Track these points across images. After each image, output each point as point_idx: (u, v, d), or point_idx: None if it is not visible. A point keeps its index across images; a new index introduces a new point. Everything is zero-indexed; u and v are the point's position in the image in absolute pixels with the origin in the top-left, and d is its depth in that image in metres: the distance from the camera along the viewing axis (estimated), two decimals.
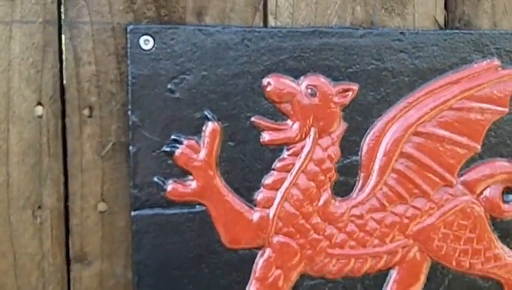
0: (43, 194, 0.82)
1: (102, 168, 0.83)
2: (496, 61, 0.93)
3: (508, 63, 0.94)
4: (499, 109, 0.93)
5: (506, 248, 0.93)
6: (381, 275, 0.89)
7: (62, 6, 0.82)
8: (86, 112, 0.83)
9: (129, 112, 0.82)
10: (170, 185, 0.82)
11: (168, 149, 0.83)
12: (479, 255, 0.92)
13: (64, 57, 0.82)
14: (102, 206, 0.84)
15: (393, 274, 0.89)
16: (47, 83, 0.82)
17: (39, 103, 0.82)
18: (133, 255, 0.83)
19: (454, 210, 0.90)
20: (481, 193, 0.93)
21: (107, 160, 0.84)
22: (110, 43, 0.83)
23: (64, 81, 0.82)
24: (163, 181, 0.82)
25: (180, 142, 0.83)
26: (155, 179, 0.82)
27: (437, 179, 0.90)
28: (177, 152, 0.82)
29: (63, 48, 0.82)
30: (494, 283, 0.93)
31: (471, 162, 0.93)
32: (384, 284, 0.89)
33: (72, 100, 0.82)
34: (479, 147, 0.92)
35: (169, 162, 0.83)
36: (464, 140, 0.92)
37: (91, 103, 0.83)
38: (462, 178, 0.92)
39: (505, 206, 0.93)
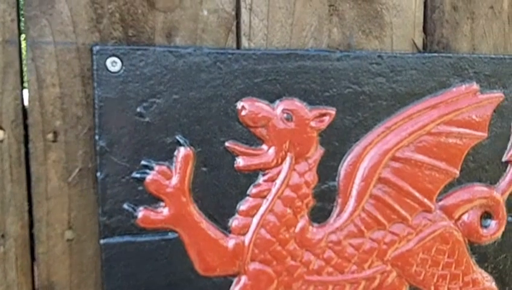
0: (6, 222, 0.78)
1: (69, 195, 0.80)
2: (475, 86, 0.93)
3: (486, 88, 0.93)
4: (478, 133, 0.93)
5: (484, 273, 0.92)
6: None
7: (23, 25, 0.78)
8: (50, 136, 0.79)
9: (96, 137, 0.78)
10: (141, 212, 0.79)
11: (138, 175, 0.79)
12: (458, 280, 0.90)
13: (26, 78, 0.78)
14: (69, 234, 0.80)
15: None
16: (8, 106, 0.77)
17: (0, 127, 0.78)
18: (103, 284, 0.79)
19: (432, 235, 0.89)
20: (459, 217, 0.91)
21: (73, 186, 0.80)
22: (75, 64, 0.79)
23: (27, 104, 0.78)
24: (133, 208, 0.79)
25: (151, 168, 0.80)
26: (125, 205, 0.79)
27: (415, 205, 0.89)
28: (148, 178, 0.79)
29: (25, 68, 0.78)
30: None
31: (450, 187, 0.92)
32: None
33: (35, 124, 0.78)
34: (457, 172, 0.91)
35: (140, 188, 0.79)
36: (442, 165, 0.90)
37: (56, 127, 0.79)
38: (440, 203, 0.91)
39: (483, 231, 0.92)
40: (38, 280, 0.80)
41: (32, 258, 0.80)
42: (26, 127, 0.79)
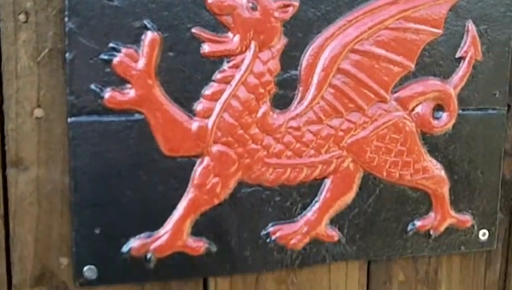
0: None
1: (38, 74, 0.82)
2: None
3: None
4: (434, 30, 0.96)
5: (434, 162, 0.99)
6: (316, 184, 0.93)
7: None
8: (22, 17, 0.81)
9: (66, 18, 0.80)
10: (108, 93, 0.82)
11: (106, 57, 0.82)
12: (409, 167, 0.97)
13: None
14: (38, 112, 0.83)
15: (328, 183, 0.93)
16: None
17: None
18: (70, 162, 0.83)
19: (386, 124, 0.94)
20: (413, 109, 0.97)
21: (43, 66, 0.82)
22: None
23: None
24: (100, 89, 0.82)
25: (119, 50, 0.82)
26: (92, 86, 0.82)
27: (372, 95, 0.93)
28: (115, 60, 0.82)
29: None
30: (422, 193, 0.99)
31: (405, 80, 0.96)
32: (319, 193, 0.94)
33: (6, 5, 0.80)
34: (412, 65, 0.95)
35: (107, 70, 0.82)
36: (398, 59, 0.94)
37: (27, 8, 0.81)
38: (395, 95, 0.95)
39: (435, 122, 0.97)
40: (7, 155, 0.83)
41: (2, 134, 0.83)
42: None
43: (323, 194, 0.93)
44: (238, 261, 0.91)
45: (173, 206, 0.87)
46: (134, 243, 0.86)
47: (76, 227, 0.84)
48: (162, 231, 0.87)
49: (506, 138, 1.04)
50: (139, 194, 0.85)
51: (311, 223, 0.93)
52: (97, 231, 0.84)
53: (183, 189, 0.87)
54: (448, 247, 1.02)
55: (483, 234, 1.03)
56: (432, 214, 1.00)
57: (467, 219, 1.02)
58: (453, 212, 1.01)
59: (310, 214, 0.93)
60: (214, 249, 0.89)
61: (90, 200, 0.84)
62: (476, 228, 1.03)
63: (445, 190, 0.99)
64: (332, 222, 0.95)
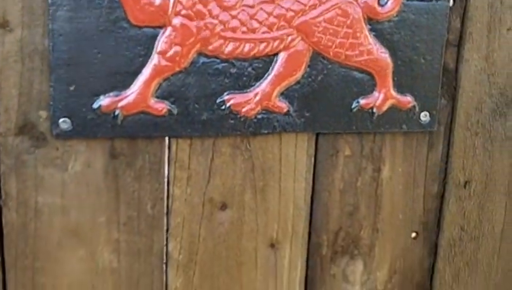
0: None
1: None
2: None
3: None
4: None
5: (379, 45, 1.08)
6: (269, 60, 1.04)
7: None
8: None
9: None
10: None
11: None
12: (354, 48, 1.06)
13: None
14: None
15: (279, 59, 1.04)
16: None
17: None
18: (48, 24, 0.95)
19: (334, 7, 1.04)
20: None
21: None
22: None
23: None
24: None
25: None
26: None
27: None
28: None
29: None
30: (367, 75, 1.09)
31: None
32: (271, 68, 1.05)
33: None
34: None
35: None
36: None
37: None
38: None
39: (380, 9, 1.06)
40: None
41: None
42: None
43: (275, 68, 1.04)
44: (196, 124, 1.04)
45: (139, 71, 0.99)
46: (104, 101, 0.99)
47: (53, 84, 0.97)
48: (129, 91, 0.99)
49: (450, 28, 1.12)
50: (109, 57, 0.98)
51: (263, 94, 1.05)
52: (71, 88, 0.98)
53: (148, 56, 0.99)
54: (390, 125, 1.13)
55: (424, 116, 1.14)
56: (375, 94, 1.10)
57: (409, 100, 1.12)
58: (395, 94, 1.11)
59: (262, 86, 1.05)
60: (174, 111, 1.02)
61: (65, 60, 0.96)
62: (417, 109, 1.13)
63: (389, 72, 1.09)
64: (283, 95, 1.07)
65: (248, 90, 1.05)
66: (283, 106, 1.07)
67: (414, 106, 1.13)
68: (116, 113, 1.00)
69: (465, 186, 1.23)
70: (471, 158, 1.22)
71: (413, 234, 1.25)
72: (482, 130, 1.21)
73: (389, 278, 1.26)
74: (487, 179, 1.24)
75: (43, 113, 1.00)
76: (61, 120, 0.99)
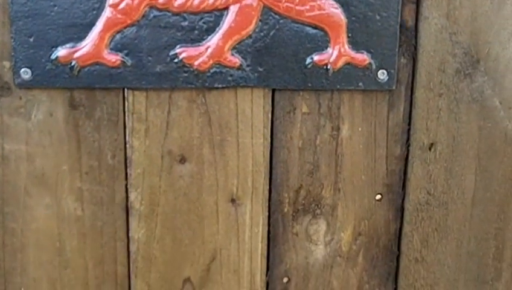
0: None
1: None
2: None
3: None
4: None
5: (331, 0, 1.09)
6: (220, 14, 1.07)
7: None
8: None
9: None
10: None
11: None
12: (305, 3, 1.08)
13: None
14: None
15: (230, 13, 1.07)
16: None
17: None
18: None
19: None
20: None
21: None
22: None
23: None
24: None
25: None
26: None
27: None
28: None
29: None
30: (320, 31, 1.10)
31: None
32: (221, 22, 1.08)
33: None
34: None
35: None
36: None
37: None
38: None
39: None
40: None
41: None
42: None
43: (226, 22, 1.07)
44: (150, 76, 1.09)
45: (93, 23, 1.05)
46: (61, 52, 1.05)
47: (14, 35, 1.04)
48: (83, 43, 1.05)
49: None
50: (65, 10, 1.03)
51: (214, 48, 1.08)
52: (31, 39, 1.04)
53: (101, 9, 1.04)
54: (346, 83, 1.13)
55: (382, 74, 1.14)
56: (329, 50, 1.11)
57: (364, 57, 1.12)
58: (350, 50, 1.12)
59: (213, 39, 1.08)
60: (128, 63, 1.07)
61: (24, 12, 1.03)
62: (374, 67, 1.13)
63: (342, 28, 1.10)
64: (236, 49, 1.09)
65: (200, 43, 1.08)
66: (235, 60, 1.10)
67: (370, 64, 1.13)
68: (73, 64, 1.05)
69: (430, 149, 1.22)
70: (435, 120, 1.21)
71: (378, 196, 1.25)
72: (447, 91, 1.19)
73: (353, 240, 1.27)
74: (454, 142, 1.23)
75: (7, 64, 1.07)
76: (22, 70, 1.05)
